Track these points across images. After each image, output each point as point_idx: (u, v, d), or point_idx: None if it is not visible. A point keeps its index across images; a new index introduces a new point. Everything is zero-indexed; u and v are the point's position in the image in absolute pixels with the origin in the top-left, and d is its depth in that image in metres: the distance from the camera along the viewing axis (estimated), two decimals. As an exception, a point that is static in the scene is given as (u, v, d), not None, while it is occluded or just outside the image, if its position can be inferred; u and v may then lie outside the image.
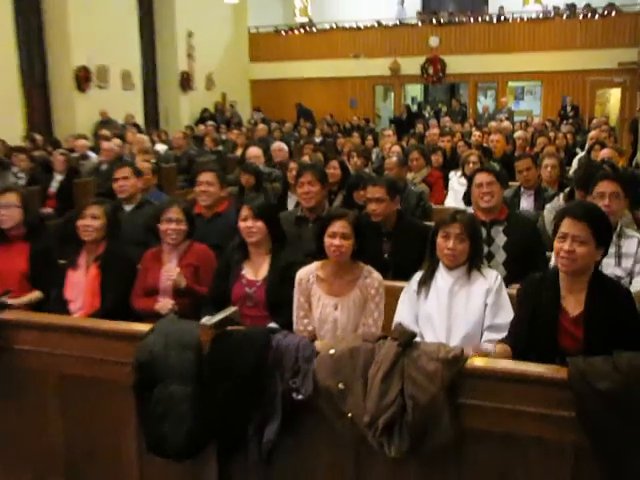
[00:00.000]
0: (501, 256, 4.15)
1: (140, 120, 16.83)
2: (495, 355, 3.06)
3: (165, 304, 3.84)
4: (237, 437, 2.92)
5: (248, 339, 2.99)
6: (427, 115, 19.27)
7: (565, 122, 15.93)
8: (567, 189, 5.29)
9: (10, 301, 3.76)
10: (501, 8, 20.50)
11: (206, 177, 4.93)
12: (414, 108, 21.60)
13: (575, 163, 8.98)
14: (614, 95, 20.88)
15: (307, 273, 3.56)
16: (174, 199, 4.75)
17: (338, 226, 3.42)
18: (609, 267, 3.81)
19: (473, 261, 3.36)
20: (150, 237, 4.46)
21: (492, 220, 4.23)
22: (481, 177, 4.32)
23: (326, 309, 3.49)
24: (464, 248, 3.32)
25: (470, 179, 4.60)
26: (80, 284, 4.09)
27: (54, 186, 8.32)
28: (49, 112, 15.14)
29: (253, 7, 21.60)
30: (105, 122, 14.39)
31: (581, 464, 2.63)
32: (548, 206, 5.16)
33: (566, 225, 2.89)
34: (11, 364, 3.49)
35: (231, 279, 3.82)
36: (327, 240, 3.43)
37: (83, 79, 15.08)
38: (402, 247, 4.21)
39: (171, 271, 3.86)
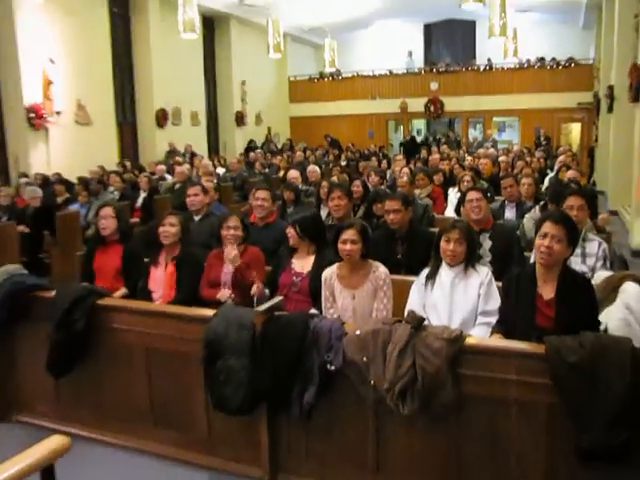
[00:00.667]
0: (487, 257, 4.13)
1: (204, 149, 16.92)
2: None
3: (224, 293, 3.83)
4: (283, 399, 2.91)
5: (292, 322, 2.99)
6: (430, 144, 19.16)
7: (539, 149, 15.82)
8: (542, 202, 5.25)
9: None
10: (489, 60, 20.47)
11: (262, 194, 4.90)
12: (419, 138, 21.56)
13: (546, 182, 8.91)
14: (575, 128, 20.90)
15: (330, 273, 3.55)
16: (232, 211, 4.74)
17: (348, 234, 3.41)
18: (577, 264, 3.81)
19: (469, 260, 3.35)
20: (213, 241, 4.47)
21: (481, 229, 4.21)
22: (472, 194, 4.31)
23: (346, 300, 3.47)
24: (462, 250, 3.30)
25: (463, 196, 4.56)
26: (160, 278, 4.10)
27: (139, 201, 8.39)
28: (136, 144, 15.29)
29: (292, 60, 21.68)
30: (171, 151, 14.40)
31: (553, 421, 2.62)
32: (527, 216, 5.13)
33: (547, 226, 2.96)
34: (111, 339, 3.54)
35: (280, 269, 3.86)
36: (340, 246, 3.43)
37: (162, 118, 15.21)
38: (413, 249, 4.16)
39: (230, 253, 3.83)
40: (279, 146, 19.69)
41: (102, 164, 11.21)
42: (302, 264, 3.82)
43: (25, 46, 11.27)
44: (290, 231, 3.81)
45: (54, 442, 1.54)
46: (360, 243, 3.41)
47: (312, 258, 3.82)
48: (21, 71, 11.26)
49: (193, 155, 14.39)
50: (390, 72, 21.39)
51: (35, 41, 11.44)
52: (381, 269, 3.50)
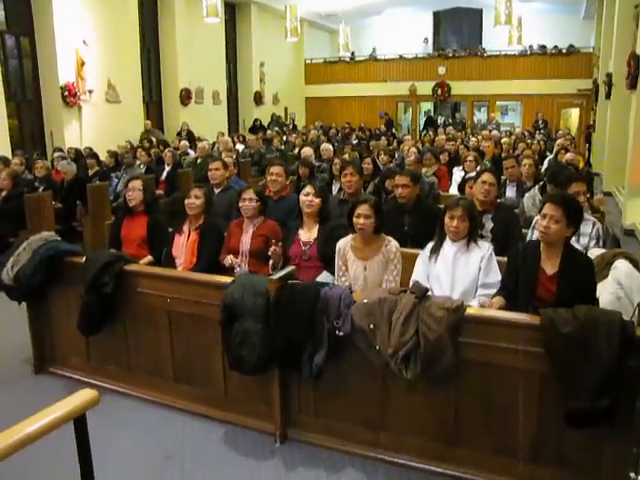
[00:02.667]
0: (488, 237, 4.06)
1: (225, 127, 16.83)
2: (493, 303, 3.05)
3: (227, 259, 3.85)
4: (294, 361, 2.90)
5: (304, 290, 2.97)
6: (439, 124, 18.98)
7: (538, 132, 15.64)
8: (541, 183, 5.19)
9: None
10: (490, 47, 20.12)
11: (276, 169, 4.87)
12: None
13: (546, 163, 8.81)
14: (574, 113, 20.62)
15: (344, 243, 3.53)
16: (250, 184, 4.71)
17: (362, 209, 3.39)
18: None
19: (471, 235, 3.31)
20: (232, 212, 4.46)
21: (484, 210, 4.14)
22: (486, 177, 4.19)
23: (358, 269, 3.45)
24: (465, 226, 3.27)
25: (475, 176, 4.49)
26: (183, 245, 4.10)
27: (164, 175, 8.36)
28: (162, 121, 15.27)
29: (308, 44, 21.44)
30: (148, 131, 13.32)
31: (544, 387, 2.61)
32: (527, 195, 5.07)
33: (546, 207, 2.96)
34: (137, 302, 3.56)
35: (289, 241, 3.85)
36: (354, 220, 3.41)
37: (186, 97, 15.15)
38: (418, 222, 4.13)
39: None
40: (289, 124, 19.47)
41: (130, 139, 11.21)
42: (308, 235, 3.82)
43: (60, 29, 11.25)
44: (316, 200, 3.80)
45: (85, 395, 1.55)
46: (373, 217, 3.38)
47: (316, 228, 3.83)
48: (57, 52, 11.24)
49: (190, 133, 13.76)
50: (400, 57, 21.13)
51: (70, 24, 11.40)
52: (393, 243, 3.47)
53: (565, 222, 2.92)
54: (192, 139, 12.26)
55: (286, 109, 20.86)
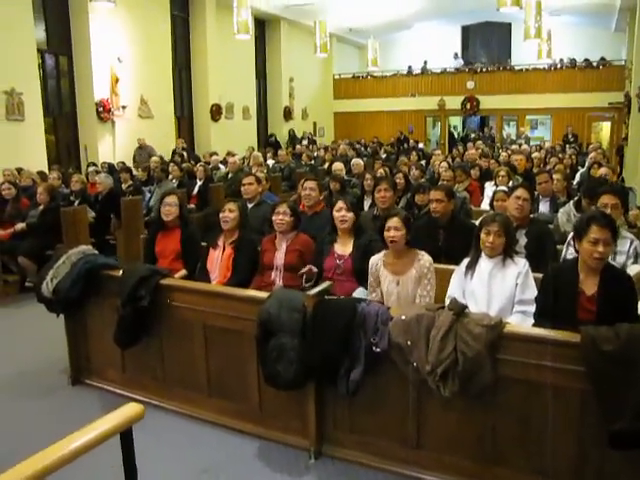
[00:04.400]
0: (523, 252, 3.99)
1: (255, 142, 16.99)
2: None
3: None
4: (331, 377, 2.90)
5: (341, 306, 2.97)
6: (473, 139, 18.87)
7: (569, 146, 15.46)
8: (576, 198, 5.10)
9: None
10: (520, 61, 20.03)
11: (310, 184, 4.90)
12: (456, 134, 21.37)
13: (578, 177, 8.69)
14: (605, 127, 20.38)
15: (376, 260, 3.52)
16: (285, 199, 4.73)
17: (392, 222, 3.39)
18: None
19: (507, 252, 3.27)
20: (266, 227, 4.48)
21: (518, 225, 4.07)
22: (520, 192, 4.14)
23: (391, 285, 3.43)
24: (501, 242, 3.24)
25: (511, 190, 4.44)
26: (218, 260, 4.12)
27: (195, 189, 8.45)
28: (192, 136, 15.49)
29: (337, 59, 21.64)
30: (140, 148, 12.41)
31: (585, 407, 2.55)
32: (561, 210, 4.99)
33: (595, 231, 2.82)
34: (172, 316, 3.59)
35: (324, 254, 3.84)
36: (385, 233, 3.41)
37: (216, 112, 15.36)
38: (453, 238, 4.11)
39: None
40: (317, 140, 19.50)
41: (162, 154, 11.39)
42: (343, 249, 3.82)
43: (96, 47, 11.58)
44: (349, 215, 3.81)
45: (131, 409, 1.57)
46: (404, 230, 3.38)
47: (351, 242, 3.82)
48: (92, 70, 11.54)
49: (185, 150, 12.87)
50: (429, 72, 21.13)
51: (105, 42, 11.71)
52: (426, 257, 3.45)
53: (612, 242, 2.87)
54: (188, 158, 11.71)
55: (315, 124, 21.00)
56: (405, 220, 3.42)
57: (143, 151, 12.19)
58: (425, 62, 21.72)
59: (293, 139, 18.38)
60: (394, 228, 3.37)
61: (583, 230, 2.88)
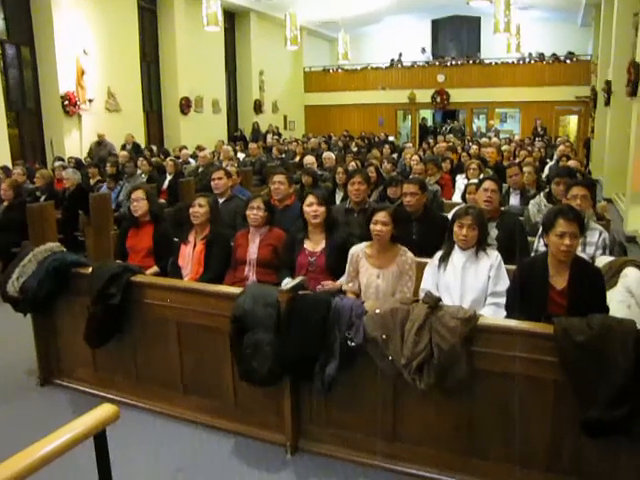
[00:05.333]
0: (494, 245, 4.04)
1: (225, 136, 16.84)
2: None
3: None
4: (306, 372, 2.89)
5: (315, 300, 2.96)
6: (444, 132, 19.02)
7: (538, 139, 15.68)
8: (546, 189, 5.18)
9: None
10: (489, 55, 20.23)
11: (279, 178, 4.86)
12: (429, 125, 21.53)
13: (547, 170, 8.83)
14: (572, 120, 20.70)
15: (357, 250, 3.52)
16: (258, 194, 4.70)
17: (380, 216, 3.38)
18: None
19: (480, 244, 3.30)
20: (237, 222, 4.45)
21: (489, 217, 4.11)
22: (488, 184, 4.20)
23: (371, 277, 3.43)
24: (474, 235, 3.26)
25: (479, 183, 4.49)
26: (189, 256, 4.08)
27: (165, 184, 8.34)
28: (162, 130, 15.28)
29: (307, 52, 21.52)
30: (100, 142, 11.86)
31: (559, 396, 2.59)
32: (532, 201, 5.07)
33: (562, 225, 2.86)
34: (145, 313, 3.54)
35: (296, 251, 3.78)
36: (372, 226, 3.40)
37: (185, 106, 15.17)
38: (426, 230, 4.13)
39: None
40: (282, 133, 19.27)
41: (135, 141, 11.22)
42: (314, 245, 3.76)
43: (60, 38, 11.29)
44: (320, 209, 3.74)
45: (105, 410, 1.53)
46: (390, 225, 3.38)
47: (323, 238, 3.77)
48: (57, 61, 11.27)
49: (137, 147, 12.27)
50: (400, 64, 21.21)
51: (70, 33, 11.44)
52: (408, 254, 3.46)
53: (579, 235, 2.91)
54: (137, 152, 11.27)
55: (285, 117, 20.89)
56: (393, 215, 3.41)
57: (102, 148, 11.72)
58: (400, 54, 21.80)
59: (257, 133, 18.02)
60: (382, 222, 3.37)
61: (550, 224, 2.92)
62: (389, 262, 3.43)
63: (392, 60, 21.59)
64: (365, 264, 3.46)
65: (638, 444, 2.46)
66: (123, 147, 12.14)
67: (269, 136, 16.74)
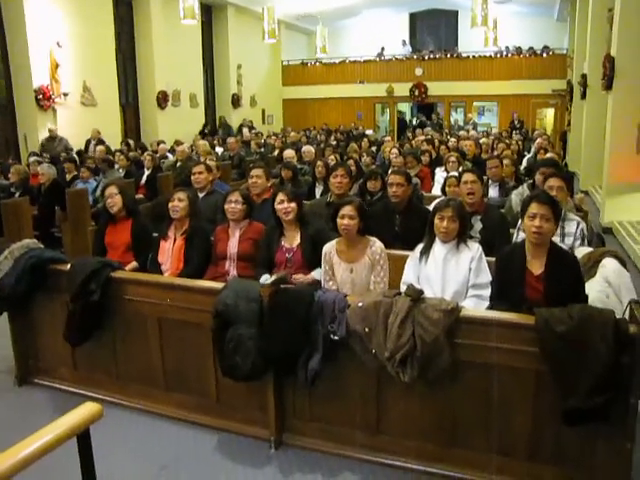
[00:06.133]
0: (477, 238, 4.08)
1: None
2: None
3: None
4: (289, 366, 2.89)
5: (298, 294, 2.95)
6: (415, 124, 19.11)
7: (515, 132, 15.83)
8: (530, 181, 5.22)
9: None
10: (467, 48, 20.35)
11: (257, 172, 4.83)
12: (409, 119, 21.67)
13: (525, 162, 8.93)
14: (549, 113, 20.93)
15: (329, 248, 3.52)
16: (236, 188, 4.67)
17: (346, 210, 3.38)
18: (556, 244, 3.78)
19: (461, 237, 3.31)
20: (218, 216, 4.41)
21: (473, 211, 4.15)
22: (467, 176, 4.23)
23: (345, 273, 3.44)
24: (455, 227, 3.27)
25: (457, 176, 4.52)
26: (169, 251, 4.05)
27: (143, 179, 8.25)
28: (139, 124, 15.11)
29: (285, 46, 21.42)
30: (51, 138, 11.11)
31: (540, 386, 2.63)
32: (515, 191, 5.10)
33: (535, 207, 2.96)
34: (125, 309, 3.50)
35: (273, 249, 3.76)
36: (338, 221, 3.40)
37: (162, 100, 15.01)
38: (409, 222, 4.14)
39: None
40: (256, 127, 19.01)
41: (107, 143, 11.06)
42: (290, 241, 3.74)
43: (33, 30, 11.07)
44: (291, 205, 3.69)
45: (88, 409, 1.50)
46: (357, 219, 3.38)
47: (298, 234, 3.75)
48: (30, 54, 11.05)
49: (101, 143, 11.30)
50: (378, 58, 21.21)
51: (43, 25, 11.22)
52: (377, 244, 3.47)
53: (553, 220, 2.96)
54: (135, 147, 10.95)
55: (264, 111, 20.81)
56: (359, 208, 3.41)
57: (58, 143, 11.13)
58: (382, 48, 21.78)
59: (225, 128, 17.54)
60: (348, 217, 3.36)
61: (525, 208, 3.03)
62: (360, 255, 3.43)
63: (379, 52, 21.59)
64: (337, 260, 3.47)
65: (616, 430, 2.50)
66: (87, 143, 11.76)
67: (245, 130, 16.58)
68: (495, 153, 9.09)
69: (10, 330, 3.90)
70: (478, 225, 4.09)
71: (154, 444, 3.17)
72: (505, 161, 6.39)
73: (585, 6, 12.67)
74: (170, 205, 4.05)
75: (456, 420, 2.80)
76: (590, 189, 11.15)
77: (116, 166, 8.57)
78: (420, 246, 3.40)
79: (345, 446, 3.00)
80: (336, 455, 3.00)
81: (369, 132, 17.97)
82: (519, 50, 20.01)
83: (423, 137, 11.35)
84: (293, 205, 3.70)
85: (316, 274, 3.61)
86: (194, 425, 3.32)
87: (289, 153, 8.07)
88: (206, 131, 16.95)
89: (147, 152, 9.44)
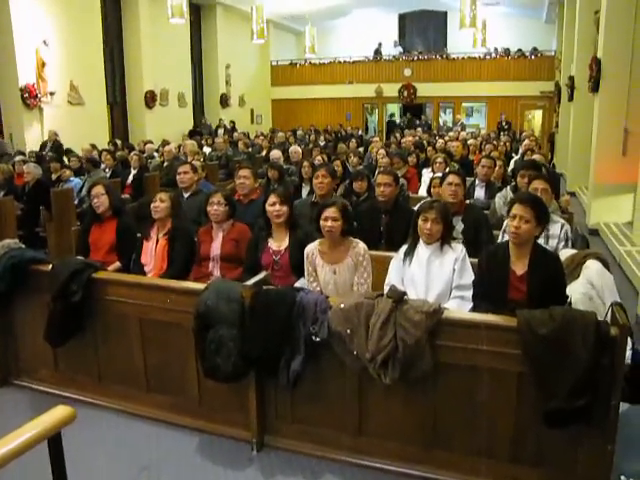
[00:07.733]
0: (459, 238, 4.08)
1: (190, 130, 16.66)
2: None
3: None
4: (271, 367, 2.86)
5: (280, 295, 2.93)
6: (403, 125, 19.15)
7: (503, 133, 15.90)
8: (513, 183, 5.25)
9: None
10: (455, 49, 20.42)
11: (244, 172, 4.82)
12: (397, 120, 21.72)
13: (512, 164, 8.96)
14: (537, 115, 21.10)
15: (312, 249, 3.49)
16: (218, 188, 4.65)
17: (329, 212, 3.36)
18: (540, 245, 3.79)
19: (445, 238, 3.31)
20: (202, 217, 4.39)
21: (454, 212, 4.14)
22: (452, 178, 4.24)
23: (328, 274, 3.42)
24: (439, 229, 3.27)
25: (441, 177, 4.53)
26: (152, 252, 4.03)
27: (130, 178, 8.21)
28: (126, 123, 15.03)
29: (274, 46, 21.43)
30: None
31: (522, 388, 2.63)
32: (498, 194, 5.13)
33: (515, 208, 3.00)
34: (107, 310, 3.46)
35: (260, 250, 3.73)
36: (322, 222, 3.37)
37: (150, 99, 14.96)
38: (395, 222, 4.15)
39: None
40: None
41: (94, 143, 10.99)
42: (278, 244, 3.71)
43: (19, 28, 10.97)
44: (283, 208, 3.67)
45: (60, 412, 1.48)
46: (341, 220, 3.35)
47: (287, 236, 3.72)
48: (16, 53, 10.96)
49: (57, 144, 11.10)
50: (367, 58, 21.24)
51: (29, 24, 11.13)
52: (360, 245, 3.45)
53: (534, 222, 2.97)
54: (60, 152, 10.21)
55: (252, 111, 20.79)
56: (343, 210, 3.38)
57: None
58: (380, 44, 21.81)
59: (205, 128, 17.25)
60: (332, 218, 3.34)
61: (509, 209, 3.07)
62: (342, 256, 3.42)
63: (376, 49, 21.64)
64: (320, 262, 3.45)
65: (598, 432, 2.50)
66: (43, 145, 11.24)
67: (220, 131, 16.38)
68: (483, 154, 9.11)
69: (-10, 331, 3.86)
70: (460, 226, 4.10)
71: (135, 445, 3.14)
72: (498, 162, 6.43)
73: (573, 8, 12.75)
74: (152, 205, 4.04)
75: (438, 422, 2.79)
76: (577, 190, 11.22)
77: (102, 165, 8.51)
78: (404, 247, 3.40)
79: (327, 448, 2.99)
80: (318, 457, 2.98)
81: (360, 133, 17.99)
82: (507, 52, 20.15)
83: (412, 138, 11.35)
84: (285, 209, 3.68)
85: (300, 283, 3.58)
86: (175, 426, 3.29)
87: (276, 153, 8.07)
88: (198, 129, 16.89)
89: (134, 152, 9.38)
